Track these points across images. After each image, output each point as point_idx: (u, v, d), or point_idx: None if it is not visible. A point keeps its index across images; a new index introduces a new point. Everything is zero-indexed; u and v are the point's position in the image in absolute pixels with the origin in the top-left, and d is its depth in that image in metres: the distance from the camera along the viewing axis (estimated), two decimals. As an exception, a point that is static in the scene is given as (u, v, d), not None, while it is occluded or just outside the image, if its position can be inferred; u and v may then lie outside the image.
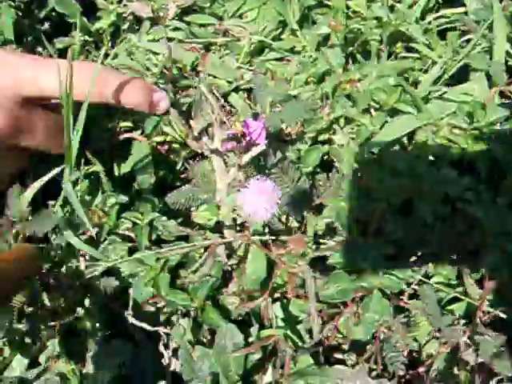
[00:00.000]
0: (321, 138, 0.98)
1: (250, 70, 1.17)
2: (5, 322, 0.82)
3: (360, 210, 0.86)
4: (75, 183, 0.93)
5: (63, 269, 0.90)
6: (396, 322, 0.79)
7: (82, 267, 0.89)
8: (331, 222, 0.86)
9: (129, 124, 1.00)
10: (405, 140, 0.94)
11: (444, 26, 1.17)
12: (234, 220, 0.85)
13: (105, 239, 0.88)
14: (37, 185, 0.87)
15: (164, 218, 0.88)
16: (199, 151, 1.00)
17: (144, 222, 0.87)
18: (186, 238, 0.89)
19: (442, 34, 1.16)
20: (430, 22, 1.16)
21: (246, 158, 0.79)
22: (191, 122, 0.77)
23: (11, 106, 0.80)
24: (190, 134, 0.76)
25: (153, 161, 0.98)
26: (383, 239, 0.84)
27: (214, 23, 1.19)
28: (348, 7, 1.17)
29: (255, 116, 0.98)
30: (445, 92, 1.03)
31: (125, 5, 1.19)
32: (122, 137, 1.00)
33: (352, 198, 0.86)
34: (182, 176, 1.02)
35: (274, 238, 0.81)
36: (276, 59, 1.18)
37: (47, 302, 0.87)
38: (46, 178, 0.87)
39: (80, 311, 0.89)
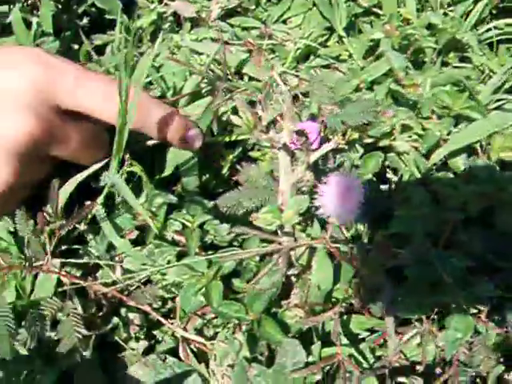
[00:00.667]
0: (381, 143, 0.86)
1: (296, 76, 1.06)
2: (36, 331, 0.69)
3: (432, 220, 0.74)
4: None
5: (99, 273, 0.78)
6: (477, 342, 0.67)
7: (117, 273, 0.77)
8: (400, 232, 0.74)
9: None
10: (477, 146, 0.83)
11: (497, 38, 1.06)
12: (293, 226, 0.73)
13: (150, 243, 0.76)
14: (76, 179, 0.75)
15: (216, 220, 0.76)
16: (251, 154, 0.89)
17: (195, 225, 0.75)
18: (239, 245, 0.77)
19: (493, 47, 1.06)
20: (481, 33, 1.06)
21: (317, 155, 0.67)
22: (260, 111, 0.65)
23: (47, 111, 0.69)
24: (258, 125, 0.64)
25: (198, 163, 0.87)
26: (460, 251, 0.72)
27: (258, 27, 1.08)
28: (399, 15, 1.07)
29: (310, 118, 0.86)
30: (506, 102, 0.92)
31: (166, 4, 1.08)
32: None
33: (424, 206, 0.75)
34: (233, 179, 0.91)
35: (352, 245, 0.69)
36: (322, 66, 1.08)
37: (80, 310, 0.75)
38: (87, 172, 0.75)
39: (116, 321, 0.76)
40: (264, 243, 0.76)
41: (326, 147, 0.68)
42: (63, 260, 0.75)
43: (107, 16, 1.06)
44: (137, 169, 0.80)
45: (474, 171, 0.76)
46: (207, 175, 0.91)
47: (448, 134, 0.83)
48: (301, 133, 0.68)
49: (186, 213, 0.76)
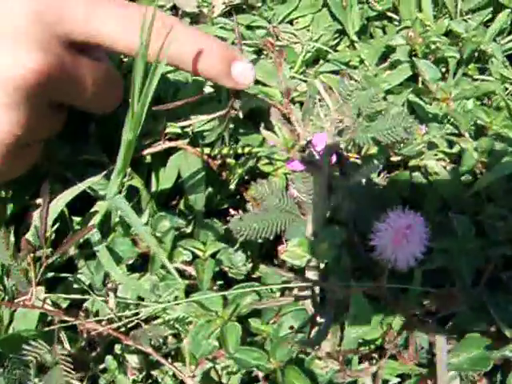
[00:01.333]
0: (410, 163, 0.73)
1: (304, 81, 0.92)
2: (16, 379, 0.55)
3: (479, 255, 0.61)
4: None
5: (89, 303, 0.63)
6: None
7: (110, 305, 0.63)
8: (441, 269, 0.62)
9: (175, 130, 0.74)
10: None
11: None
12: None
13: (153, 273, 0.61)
14: (72, 192, 0.60)
15: (231, 249, 0.62)
16: (261, 167, 0.75)
17: (206, 254, 0.61)
18: (257, 279, 0.63)
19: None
20: (503, 44, 0.94)
21: (359, 177, 0.54)
22: (298, 128, 0.52)
23: (55, 44, 0.53)
24: (297, 144, 0.50)
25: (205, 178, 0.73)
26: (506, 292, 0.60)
27: (264, 26, 0.94)
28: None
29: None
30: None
31: (166, -4, 0.93)
32: (164, 145, 0.74)
33: (467, 238, 0.62)
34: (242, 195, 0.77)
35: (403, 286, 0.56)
36: (331, 72, 0.94)
37: (68, 347, 0.60)
38: (83, 186, 0.61)
39: (110, 361, 0.62)
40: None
41: (368, 170, 0.55)
42: (47, 295, 0.60)
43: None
44: (137, 183, 0.66)
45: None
46: (211, 190, 0.77)
47: (487, 156, 0.70)
48: (340, 152, 0.54)
49: (195, 239, 0.62)
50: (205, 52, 0.60)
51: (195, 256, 0.61)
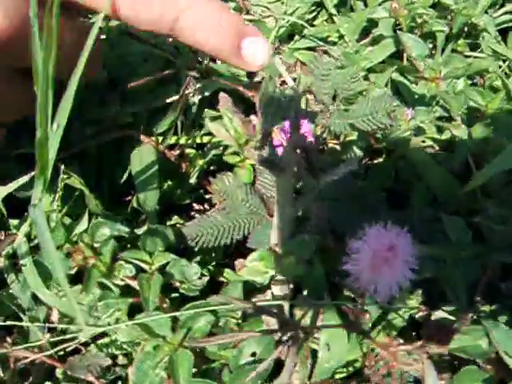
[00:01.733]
0: (397, 151, 0.62)
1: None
2: None
3: (476, 264, 0.50)
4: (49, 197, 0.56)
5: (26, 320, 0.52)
6: None
7: (53, 318, 0.52)
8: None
9: (126, 118, 0.63)
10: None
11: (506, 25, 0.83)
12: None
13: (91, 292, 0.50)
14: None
15: (184, 260, 0.51)
16: (226, 158, 0.64)
17: (153, 268, 0.49)
18: (215, 291, 0.52)
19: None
20: (495, 18, 0.82)
21: (331, 177, 0.43)
22: (254, 119, 0.40)
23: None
24: (252, 139, 0.39)
25: (160, 171, 0.61)
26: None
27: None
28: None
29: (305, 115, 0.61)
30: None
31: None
32: (114, 135, 0.62)
33: (463, 244, 0.51)
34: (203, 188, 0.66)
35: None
36: (307, 48, 0.82)
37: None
38: (5, 191, 0.49)
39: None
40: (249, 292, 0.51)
41: (346, 167, 0.44)
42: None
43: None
44: (75, 181, 0.55)
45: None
46: (170, 183, 0.66)
47: (482, 145, 0.58)
48: (307, 148, 0.43)
49: (141, 249, 0.50)
50: (215, 26, 0.48)
51: (141, 269, 0.50)
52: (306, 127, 0.59)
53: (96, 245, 0.49)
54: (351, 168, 0.44)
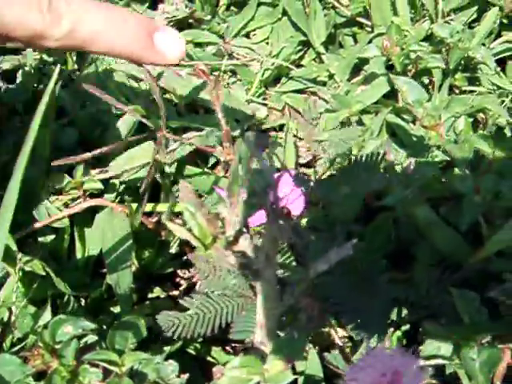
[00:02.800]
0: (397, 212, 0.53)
1: (264, 105, 0.73)
2: None
3: (491, 350, 0.42)
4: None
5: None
6: None
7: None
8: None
9: (96, 185, 0.55)
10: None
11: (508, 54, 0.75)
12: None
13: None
14: None
15: (158, 357, 0.42)
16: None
17: (124, 369, 0.41)
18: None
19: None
20: (492, 49, 0.74)
21: (322, 266, 0.34)
22: (223, 210, 0.31)
23: None
24: (220, 237, 0.30)
25: (135, 240, 0.53)
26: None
27: (215, 42, 0.74)
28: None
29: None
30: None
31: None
32: (84, 204, 0.54)
33: (479, 328, 0.42)
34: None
35: None
36: (295, 91, 0.75)
37: None
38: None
39: None
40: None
41: (339, 254, 0.35)
42: None
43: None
44: (37, 267, 0.47)
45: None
46: (149, 251, 0.58)
47: (492, 200, 0.50)
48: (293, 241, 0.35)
49: (109, 347, 0.42)
50: (119, 25, 0.42)
51: (109, 372, 0.41)
52: (293, 188, 0.51)
53: (57, 346, 0.41)
54: (344, 254, 0.36)
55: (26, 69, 0.66)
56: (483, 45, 0.72)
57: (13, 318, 0.45)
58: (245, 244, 0.32)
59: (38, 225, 0.52)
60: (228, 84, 0.73)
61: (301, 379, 0.43)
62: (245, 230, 0.32)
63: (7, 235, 0.36)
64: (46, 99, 0.38)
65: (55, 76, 0.40)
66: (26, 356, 0.40)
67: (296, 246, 0.35)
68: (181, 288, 0.61)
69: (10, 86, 0.65)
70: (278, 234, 0.32)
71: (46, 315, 0.45)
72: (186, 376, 0.42)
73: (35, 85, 0.65)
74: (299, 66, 0.76)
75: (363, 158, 0.48)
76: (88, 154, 0.48)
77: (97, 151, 0.50)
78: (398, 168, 0.54)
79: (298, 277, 0.36)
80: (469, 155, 0.52)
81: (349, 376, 0.27)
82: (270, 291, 0.35)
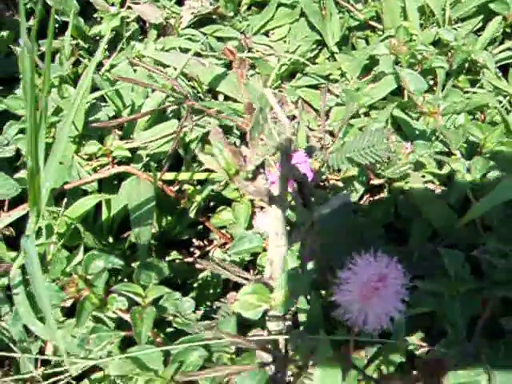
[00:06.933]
0: (395, 185, 0.61)
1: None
2: None
3: (474, 299, 0.49)
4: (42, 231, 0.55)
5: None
6: None
7: (48, 350, 0.51)
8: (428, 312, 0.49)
9: (124, 153, 0.62)
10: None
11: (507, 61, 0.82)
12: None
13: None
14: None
15: (178, 294, 0.50)
16: (225, 193, 0.63)
17: (147, 301, 0.48)
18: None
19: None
20: (495, 54, 0.82)
21: (324, 210, 0.42)
22: (245, 150, 0.39)
23: None
24: (242, 170, 0.38)
25: (157, 206, 0.61)
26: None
27: (236, 37, 0.82)
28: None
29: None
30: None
31: (129, 7, 0.82)
32: (112, 170, 0.62)
33: (461, 278, 0.50)
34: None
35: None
36: (309, 86, 0.82)
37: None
38: (7, 220, 0.49)
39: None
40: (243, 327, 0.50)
41: (335, 202, 0.43)
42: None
43: (59, 17, 0.79)
44: (71, 215, 0.55)
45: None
46: (169, 218, 0.65)
47: (481, 179, 0.57)
48: (303, 180, 0.42)
49: (135, 282, 0.49)
50: None
51: (134, 302, 0.49)
52: (303, 161, 0.58)
53: (89, 277, 0.48)
54: (344, 200, 0.43)
55: (66, 51, 0.74)
56: (486, 49, 0.80)
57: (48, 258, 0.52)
58: (261, 181, 0.39)
59: (68, 186, 0.59)
60: (247, 76, 0.80)
61: (301, 315, 0.50)
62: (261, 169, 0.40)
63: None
64: (89, 76, 0.47)
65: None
66: (63, 284, 0.48)
67: (303, 190, 0.42)
68: (195, 256, 0.68)
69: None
70: (288, 174, 0.39)
71: (78, 257, 0.52)
72: (201, 312, 0.49)
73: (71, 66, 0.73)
74: (314, 63, 0.84)
75: (369, 134, 0.56)
76: (120, 120, 0.56)
77: (128, 118, 0.58)
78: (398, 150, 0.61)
79: (303, 218, 0.43)
80: (462, 139, 0.59)
81: (341, 279, 0.34)
82: (279, 228, 0.42)
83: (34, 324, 0.47)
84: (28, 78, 0.37)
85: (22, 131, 0.63)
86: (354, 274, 0.34)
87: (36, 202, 0.41)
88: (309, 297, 0.51)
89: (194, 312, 0.49)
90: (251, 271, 0.62)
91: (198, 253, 0.68)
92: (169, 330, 0.52)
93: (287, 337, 0.46)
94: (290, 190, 0.42)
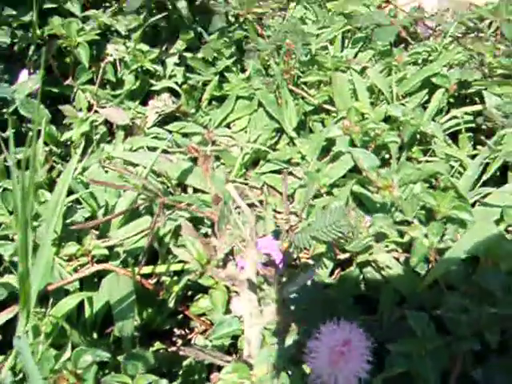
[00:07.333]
0: (359, 258, 0.65)
1: (245, 184, 0.86)
2: None
3: (443, 355, 0.52)
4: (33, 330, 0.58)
5: None
6: None
7: None
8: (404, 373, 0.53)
9: (102, 251, 0.66)
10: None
11: (458, 127, 0.89)
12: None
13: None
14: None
15: (164, 381, 0.53)
16: (201, 282, 0.67)
17: (137, 391, 0.51)
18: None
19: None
20: (442, 124, 0.89)
21: (293, 287, 0.46)
22: (214, 240, 0.44)
23: None
24: (213, 258, 0.42)
25: (137, 300, 0.64)
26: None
27: (199, 132, 0.88)
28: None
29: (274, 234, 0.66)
30: (486, 195, 0.73)
31: (96, 111, 0.87)
32: (93, 269, 0.65)
33: (430, 338, 0.53)
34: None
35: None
36: (272, 171, 0.88)
37: None
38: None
39: None
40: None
41: (302, 279, 0.47)
42: None
43: (31, 126, 0.85)
44: (57, 314, 0.58)
45: (484, 286, 0.55)
46: (149, 310, 0.69)
47: (439, 242, 0.62)
48: (269, 263, 0.47)
49: (123, 373, 0.52)
50: None
51: (123, 393, 0.51)
52: (271, 244, 0.63)
53: (79, 371, 0.51)
54: (309, 277, 0.48)
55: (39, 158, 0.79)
56: (434, 120, 0.87)
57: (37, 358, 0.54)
58: (232, 267, 0.44)
59: (52, 287, 0.63)
60: (213, 168, 0.86)
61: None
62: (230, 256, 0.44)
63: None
64: (67, 182, 0.51)
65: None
66: (54, 381, 0.50)
67: (272, 271, 0.47)
68: (177, 345, 0.71)
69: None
70: (256, 257, 0.44)
71: (66, 354, 0.55)
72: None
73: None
74: (275, 149, 0.90)
75: (330, 212, 0.60)
76: (96, 221, 0.60)
77: (104, 218, 0.62)
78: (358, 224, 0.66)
79: (274, 296, 0.47)
80: (417, 208, 0.64)
81: (310, 347, 0.38)
82: (252, 309, 0.46)
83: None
84: (19, 206, 0.41)
85: (3, 237, 0.67)
86: (321, 342, 0.37)
87: (26, 303, 0.45)
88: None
89: (181, 396, 0.52)
90: (234, 355, 0.65)
91: (180, 341, 0.71)
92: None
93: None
94: (260, 272, 0.46)
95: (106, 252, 0.66)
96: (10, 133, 0.48)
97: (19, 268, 0.43)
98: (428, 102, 0.91)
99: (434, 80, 0.90)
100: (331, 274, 0.71)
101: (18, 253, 0.42)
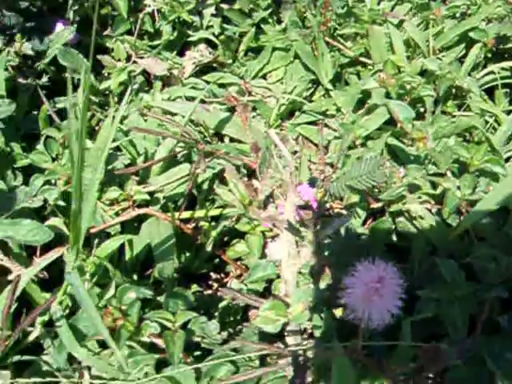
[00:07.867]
0: (392, 208, 0.68)
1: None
2: None
3: (471, 301, 0.55)
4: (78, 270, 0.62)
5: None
6: None
7: (85, 378, 0.57)
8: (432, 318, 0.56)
9: (143, 196, 0.70)
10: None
11: (495, 83, 0.90)
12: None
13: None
14: (31, 271, 0.55)
15: (203, 317, 0.57)
16: (238, 227, 0.70)
17: (176, 325, 0.55)
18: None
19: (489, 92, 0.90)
20: (479, 79, 0.90)
21: (328, 231, 0.49)
22: (256, 183, 0.47)
23: None
24: (255, 200, 0.45)
25: (176, 243, 0.68)
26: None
27: (236, 83, 0.91)
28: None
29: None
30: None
31: (135, 62, 0.90)
32: (134, 213, 0.69)
33: (459, 285, 0.56)
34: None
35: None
36: (308, 123, 0.90)
37: None
38: (43, 263, 0.56)
39: None
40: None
41: (338, 223, 0.50)
42: (13, 380, 0.54)
43: (71, 75, 0.88)
44: (100, 255, 0.62)
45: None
46: (187, 254, 0.72)
47: (471, 194, 0.65)
48: (306, 207, 0.50)
49: (164, 309, 0.56)
50: None
51: (165, 327, 0.55)
52: (307, 192, 0.66)
53: (123, 307, 0.55)
54: (344, 222, 0.50)
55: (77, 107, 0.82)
56: (469, 75, 0.88)
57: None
58: (272, 208, 0.47)
59: (94, 230, 0.67)
60: (250, 117, 0.88)
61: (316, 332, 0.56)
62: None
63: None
64: (114, 128, 0.54)
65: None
66: (100, 315, 0.54)
67: (309, 215, 0.49)
68: (214, 288, 0.75)
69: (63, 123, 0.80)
70: (295, 199, 0.47)
71: (110, 292, 0.59)
72: (225, 333, 0.56)
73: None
74: (310, 101, 0.92)
75: (364, 162, 0.63)
76: (137, 167, 0.63)
77: (145, 164, 0.66)
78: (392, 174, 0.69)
79: (311, 239, 0.50)
80: (450, 160, 0.66)
81: (346, 284, 0.41)
82: (290, 249, 0.49)
83: (77, 351, 0.54)
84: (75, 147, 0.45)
85: (47, 183, 0.71)
86: (356, 279, 0.40)
87: (76, 240, 0.49)
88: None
89: (219, 333, 0.56)
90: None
91: (216, 285, 0.75)
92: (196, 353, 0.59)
93: (305, 348, 0.53)
94: (296, 216, 0.50)
95: (147, 197, 0.69)
96: (68, 80, 0.51)
97: (72, 206, 0.47)
98: (465, 56, 0.92)
99: (471, 34, 0.91)
100: (364, 223, 0.74)
101: (72, 192, 0.46)
